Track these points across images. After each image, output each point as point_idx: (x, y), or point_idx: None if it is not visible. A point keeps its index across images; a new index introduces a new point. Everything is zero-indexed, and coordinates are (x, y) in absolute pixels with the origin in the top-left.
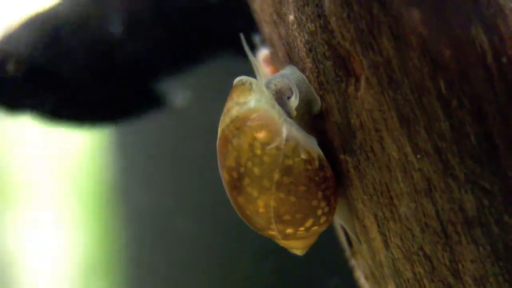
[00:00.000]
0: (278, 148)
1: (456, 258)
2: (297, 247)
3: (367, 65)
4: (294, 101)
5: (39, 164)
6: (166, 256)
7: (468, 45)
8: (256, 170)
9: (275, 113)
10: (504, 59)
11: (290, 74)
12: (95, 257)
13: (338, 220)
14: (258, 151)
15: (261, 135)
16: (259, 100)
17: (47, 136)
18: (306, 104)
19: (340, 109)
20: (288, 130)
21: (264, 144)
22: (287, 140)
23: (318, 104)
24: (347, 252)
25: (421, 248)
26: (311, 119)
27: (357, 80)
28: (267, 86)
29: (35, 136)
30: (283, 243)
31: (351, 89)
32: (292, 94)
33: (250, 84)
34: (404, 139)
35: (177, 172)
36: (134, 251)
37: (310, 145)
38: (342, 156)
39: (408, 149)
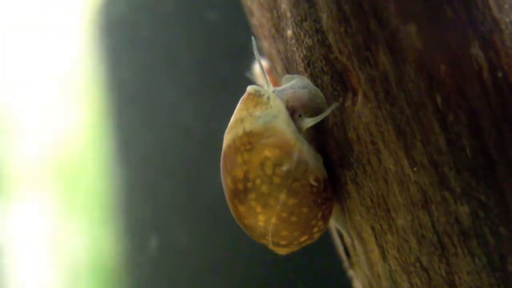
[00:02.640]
0: (288, 171)
1: (452, 269)
2: (283, 252)
3: (364, 80)
4: (309, 122)
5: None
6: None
7: (464, 60)
8: (264, 189)
9: (289, 132)
10: (500, 74)
11: (301, 87)
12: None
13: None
14: (269, 171)
15: (273, 155)
16: (276, 117)
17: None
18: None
19: (338, 122)
20: (299, 151)
21: (275, 165)
22: (298, 163)
23: (330, 121)
24: (345, 263)
25: (418, 260)
26: (317, 132)
27: (354, 94)
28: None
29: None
30: (272, 248)
31: (348, 103)
32: (303, 112)
33: (268, 98)
34: (401, 152)
35: (176, 183)
36: (131, 260)
37: (317, 166)
38: (339, 169)
39: (405, 162)
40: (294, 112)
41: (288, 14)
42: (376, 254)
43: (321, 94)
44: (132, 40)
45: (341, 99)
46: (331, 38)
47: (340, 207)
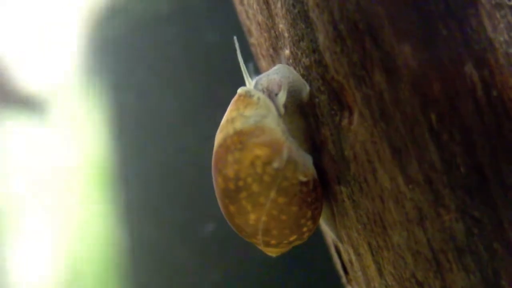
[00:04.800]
0: (278, 169)
1: (447, 285)
2: (274, 253)
3: (360, 98)
4: (282, 96)
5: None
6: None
7: (458, 78)
8: (255, 187)
9: (278, 131)
10: (494, 93)
11: (274, 70)
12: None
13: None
14: (259, 170)
15: (264, 154)
16: (265, 116)
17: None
18: (294, 95)
19: (335, 141)
20: (288, 150)
21: (266, 164)
22: (287, 161)
23: (306, 90)
24: (343, 279)
25: (414, 275)
26: (302, 118)
27: (351, 113)
28: (255, 87)
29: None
30: (263, 248)
31: (344, 122)
32: (279, 89)
33: (258, 98)
34: (396, 170)
35: (177, 205)
36: (133, 278)
37: (307, 166)
38: (336, 187)
39: (400, 180)
40: (270, 93)
41: (286, 34)
42: (372, 270)
43: (293, 70)
44: (132, 61)
45: (337, 117)
46: (327, 57)
47: (330, 210)
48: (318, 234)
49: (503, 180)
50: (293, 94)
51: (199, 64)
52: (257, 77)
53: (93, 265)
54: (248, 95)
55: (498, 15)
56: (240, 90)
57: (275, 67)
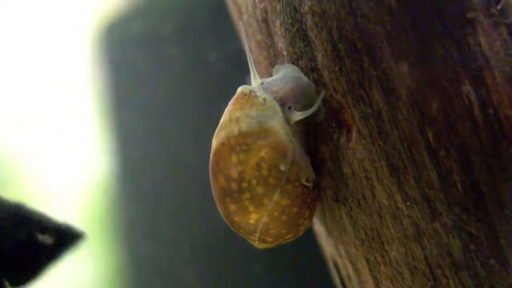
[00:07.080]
0: (283, 172)
1: None
2: (263, 247)
3: (358, 117)
4: (298, 116)
5: None
6: None
7: (455, 97)
8: (259, 189)
9: (284, 134)
10: (490, 111)
11: (293, 77)
12: None
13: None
14: (265, 172)
15: (269, 156)
16: (271, 118)
17: None
18: (310, 117)
19: (333, 158)
20: (292, 153)
21: (271, 166)
22: (291, 165)
23: (321, 116)
24: None
25: None
26: (305, 126)
27: (349, 131)
28: (266, 89)
29: None
30: (257, 244)
31: (343, 139)
32: (293, 104)
33: (264, 99)
34: (394, 187)
35: (180, 221)
36: None
37: (308, 168)
38: (335, 203)
39: (398, 197)
40: (284, 104)
41: (285, 53)
42: (370, 285)
43: (312, 85)
44: (135, 80)
45: (336, 135)
46: (326, 76)
47: (321, 207)
48: (317, 251)
49: (500, 197)
50: (308, 118)
51: (201, 83)
52: (271, 79)
53: None
54: (253, 95)
55: (494, 34)
56: (243, 89)
57: (293, 73)
